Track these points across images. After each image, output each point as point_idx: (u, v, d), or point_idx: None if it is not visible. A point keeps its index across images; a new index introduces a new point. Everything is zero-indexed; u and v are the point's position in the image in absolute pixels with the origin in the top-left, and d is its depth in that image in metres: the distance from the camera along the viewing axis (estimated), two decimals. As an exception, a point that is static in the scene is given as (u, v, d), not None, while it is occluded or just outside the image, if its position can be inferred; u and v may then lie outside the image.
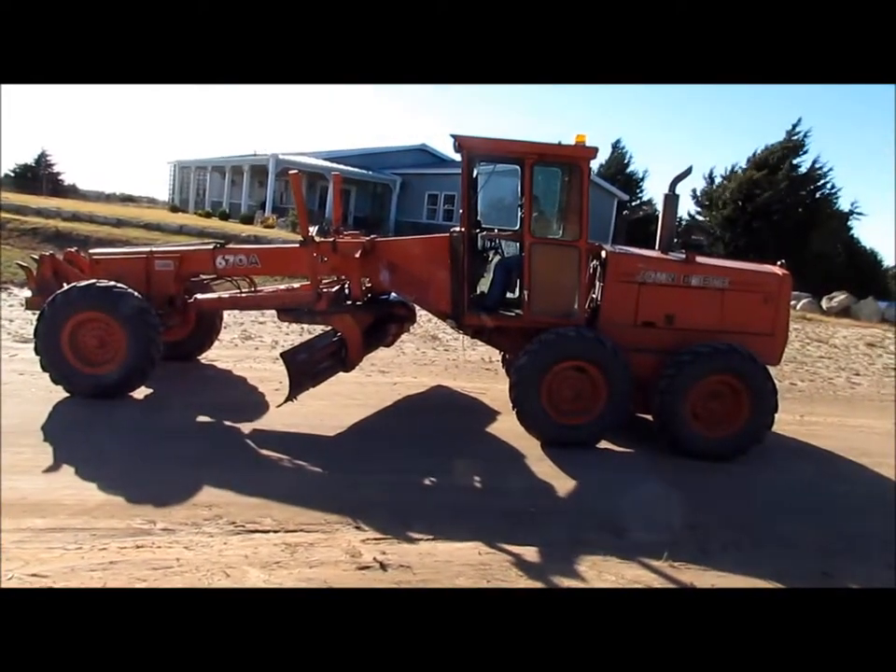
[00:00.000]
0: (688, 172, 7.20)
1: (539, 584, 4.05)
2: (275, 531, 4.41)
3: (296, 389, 6.13)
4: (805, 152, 30.69)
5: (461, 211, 6.78)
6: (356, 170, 32.52)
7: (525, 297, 6.64)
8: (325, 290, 6.87)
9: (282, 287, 7.82)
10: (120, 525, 4.27)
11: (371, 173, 34.27)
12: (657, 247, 7.21)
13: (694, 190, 33.65)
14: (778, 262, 7.13)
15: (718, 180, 32.85)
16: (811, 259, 25.82)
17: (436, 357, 9.97)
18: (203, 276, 7.80)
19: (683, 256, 6.93)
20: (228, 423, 6.38)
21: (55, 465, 5.09)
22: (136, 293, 6.59)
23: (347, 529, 4.52)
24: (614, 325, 6.67)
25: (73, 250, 7.83)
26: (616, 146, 40.26)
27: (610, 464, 6.36)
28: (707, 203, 32.68)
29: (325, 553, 4.19)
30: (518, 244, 6.89)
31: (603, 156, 38.70)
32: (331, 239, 7.01)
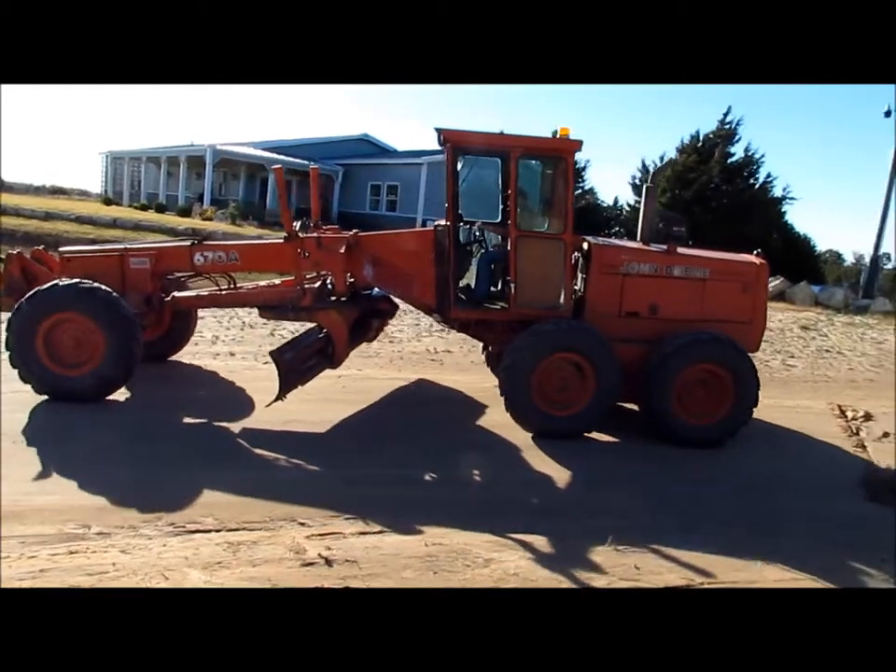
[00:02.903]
0: (667, 164, 7.32)
1: (484, 573, 4.03)
2: (217, 530, 4.28)
3: (286, 388, 5.96)
4: (738, 140, 31.41)
5: (446, 205, 6.66)
6: (297, 160, 32.05)
7: (511, 290, 6.62)
8: (308, 286, 6.72)
9: (262, 283, 7.63)
10: (51, 531, 4.09)
11: (312, 163, 33.84)
12: (638, 238, 7.33)
13: (634, 178, 34.19)
14: (755, 252, 7.31)
15: (651, 169, 33.45)
16: (747, 245, 26.44)
17: (380, 348, 9.86)
18: (179, 274, 7.54)
19: (665, 247, 7.02)
20: (166, 422, 6.20)
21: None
22: (114, 292, 6.33)
23: (291, 526, 4.42)
24: (599, 316, 6.73)
25: (40, 248, 7.53)
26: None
27: (590, 455, 6.35)
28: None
29: (268, 550, 4.09)
30: (502, 237, 6.88)
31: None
32: (316, 235, 6.88)
